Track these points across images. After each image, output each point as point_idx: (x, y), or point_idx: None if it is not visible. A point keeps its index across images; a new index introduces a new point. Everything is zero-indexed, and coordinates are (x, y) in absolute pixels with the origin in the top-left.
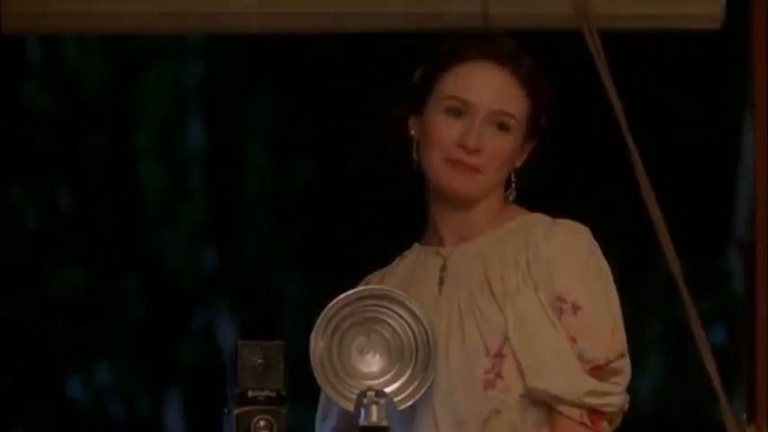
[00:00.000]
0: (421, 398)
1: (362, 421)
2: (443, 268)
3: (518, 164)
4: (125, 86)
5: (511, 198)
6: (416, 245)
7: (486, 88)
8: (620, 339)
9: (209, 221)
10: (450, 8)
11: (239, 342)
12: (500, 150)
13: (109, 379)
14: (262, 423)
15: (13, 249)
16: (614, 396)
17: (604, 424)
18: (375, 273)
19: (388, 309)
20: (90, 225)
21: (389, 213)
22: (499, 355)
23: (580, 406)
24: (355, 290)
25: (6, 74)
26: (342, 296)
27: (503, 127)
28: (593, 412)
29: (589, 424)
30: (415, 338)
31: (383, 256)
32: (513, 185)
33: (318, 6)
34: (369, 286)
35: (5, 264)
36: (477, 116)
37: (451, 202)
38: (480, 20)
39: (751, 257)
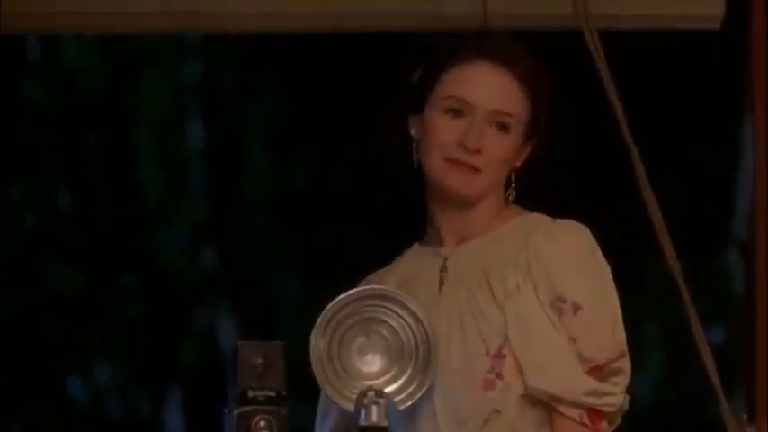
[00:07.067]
0: (422, 397)
1: (362, 421)
2: (443, 269)
3: (518, 163)
4: (124, 85)
5: (511, 198)
6: (416, 245)
7: (486, 88)
8: (619, 339)
9: (208, 221)
10: (450, 8)
11: (240, 342)
12: (500, 150)
13: (108, 378)
14: (262, 423)
15: (11, 248)
16: (614, 396)
17: (604, 424)
18: (376, 272)
19: (388, 309)
20: (89, 224)
21: (389, 213)
22: (499, 355)
23: (579, 406)
24: (355, 290)
25: (6, 72)
26: (342, 296)
27: (502, 127)
28: (593, 412)
29: (589, 423)
30: (415, 338)
31: (383, 255)
32: (513, 185)
33: (317, 6)
34: (369, 286)
35: (4, 262)
36: (477, 116)
37: (451, 203)
38: (480, 19)
39: (750, 257)
